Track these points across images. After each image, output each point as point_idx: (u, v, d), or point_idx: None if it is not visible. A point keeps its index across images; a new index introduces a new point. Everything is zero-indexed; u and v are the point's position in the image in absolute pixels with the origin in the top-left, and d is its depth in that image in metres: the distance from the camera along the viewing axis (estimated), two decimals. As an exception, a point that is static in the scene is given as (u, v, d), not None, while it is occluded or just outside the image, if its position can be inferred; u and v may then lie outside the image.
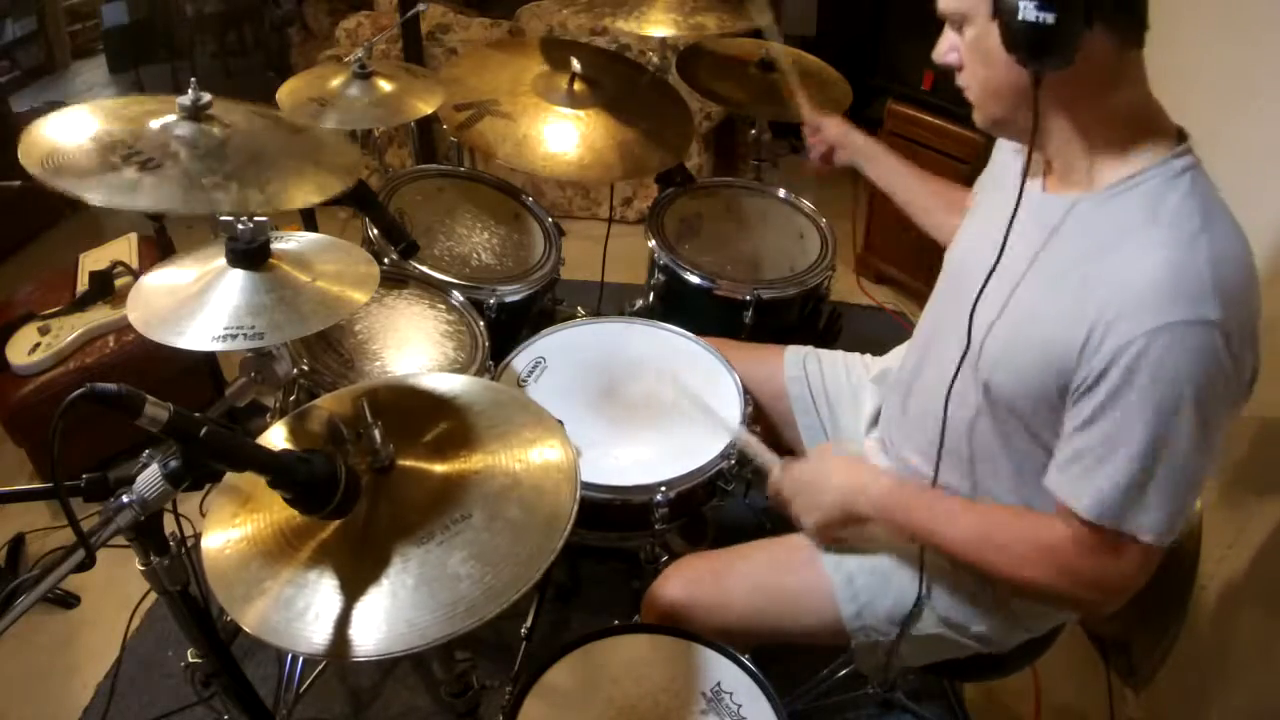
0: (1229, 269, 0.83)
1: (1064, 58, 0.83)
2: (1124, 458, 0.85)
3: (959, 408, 1.05)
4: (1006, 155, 1.13)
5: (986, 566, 0.99)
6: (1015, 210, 0.92)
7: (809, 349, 1.50)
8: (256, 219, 0.96)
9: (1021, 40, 0.83)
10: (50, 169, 0.96)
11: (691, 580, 1.19)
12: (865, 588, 1.14)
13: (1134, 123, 0.90)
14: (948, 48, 0.95)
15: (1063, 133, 0.92)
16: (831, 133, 1.54)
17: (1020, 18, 0.81)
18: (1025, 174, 0.93)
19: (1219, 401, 0.84)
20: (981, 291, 0.95)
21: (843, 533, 1.15)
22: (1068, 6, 0.80)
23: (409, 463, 0.94)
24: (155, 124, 1.07)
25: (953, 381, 1.02)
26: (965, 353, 0.99)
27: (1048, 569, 0.94)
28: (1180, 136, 0.91)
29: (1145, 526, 0.87)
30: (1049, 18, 0.80)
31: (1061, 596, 0.98)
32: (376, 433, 0.91)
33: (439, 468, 0.94)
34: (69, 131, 1.04)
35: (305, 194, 1.06)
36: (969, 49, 0.93)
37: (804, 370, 1.45)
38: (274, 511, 0.90)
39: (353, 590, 0.82)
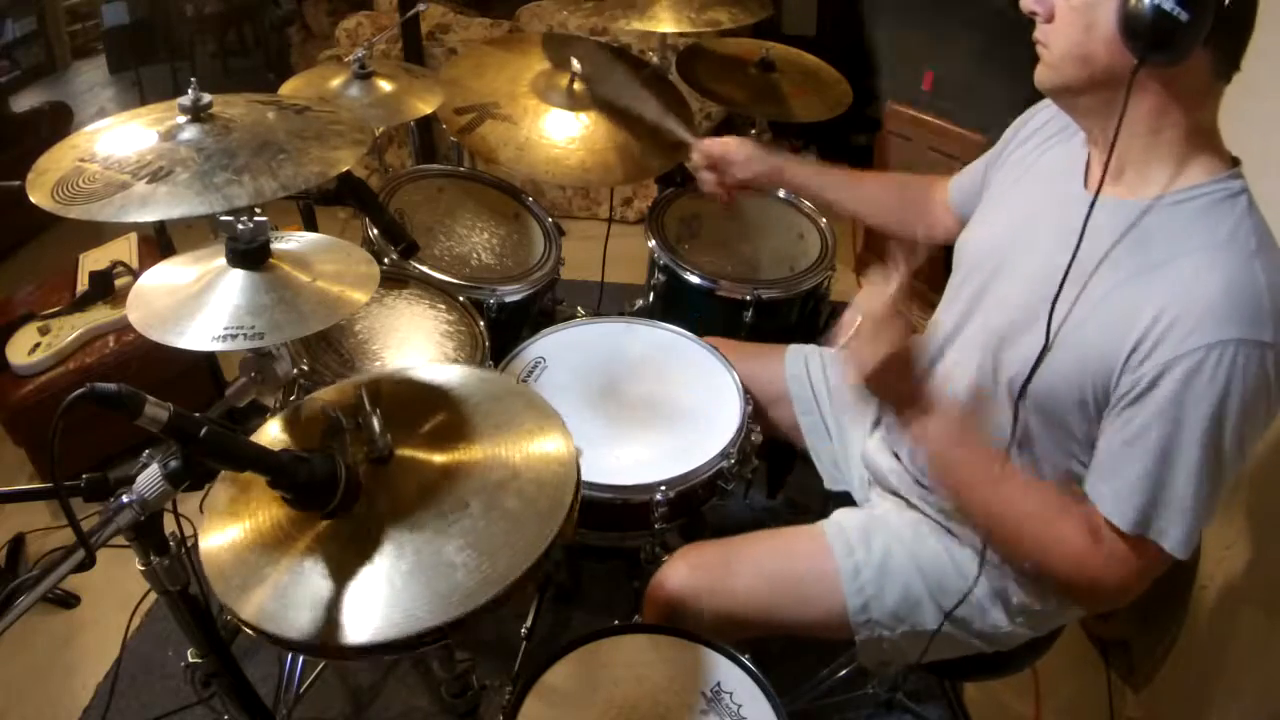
0: None
1: (1176, 57, 0.81)
2: (1175, 471, 0.85)
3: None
4: (1032, 146, 1.11)
5: (1010, 541, 1.00)
6: (1089, 212, 0.91)
7: (810, 347, 1.49)
8: (256, 219, 0.96)
9: (1143, 26, 0.81)
10: (62, 200, 0.96)
11: (697, 566, 1.19)
12: (872, 581, 1.14)
13: (1199, 142, 0.90)
14: None
15: (1133, 128, 0.90)
16: (714, 150, 1.47)
17: (1154, 2, 0.79)
18: (1106, 167, 0.91)
19: (1259, 421, 0.85)
20: (1058, 296, 0.93)
21: (866, 396, 1.04)
22: (1203, 10, 0.79)
23: (407, 452, 0.94)
24: (158, 133, 1.06)
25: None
26: (1043, 352, 0.95)
27: (1072, 566, 0.94)
28: (1234, 162, 0.91)
29: (1175, 538, 0.87)
30: (1184, 15, 0.78)
31: (1069, 587, 0.99)
32: (375, 421, 0.91)
33: (437, 458, 0.94)
34: (73, 159, 1.04)
35: (320, 170, 1.06)
36: (1072, 8, 0.88)
37: (805, 369, 1.45)
38: (272, 501, 0.90)
39: (350, 579, 0.82)
